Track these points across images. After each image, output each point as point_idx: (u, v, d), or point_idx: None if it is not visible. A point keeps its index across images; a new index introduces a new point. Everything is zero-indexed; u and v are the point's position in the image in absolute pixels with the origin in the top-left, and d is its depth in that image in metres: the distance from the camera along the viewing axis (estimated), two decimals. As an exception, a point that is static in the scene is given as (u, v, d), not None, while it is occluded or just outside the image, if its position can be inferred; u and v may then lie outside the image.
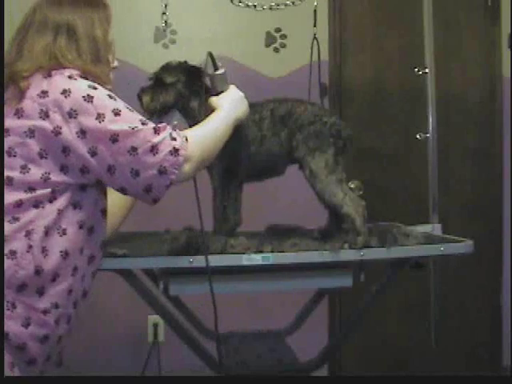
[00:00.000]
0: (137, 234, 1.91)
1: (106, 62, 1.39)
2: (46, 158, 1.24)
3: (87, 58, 1.33)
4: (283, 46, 2.90)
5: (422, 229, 1.98)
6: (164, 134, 1.29)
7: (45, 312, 1.24)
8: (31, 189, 1.23)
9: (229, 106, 1.51)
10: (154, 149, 1.27)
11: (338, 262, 1.62)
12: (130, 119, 1.27)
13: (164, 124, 1.32)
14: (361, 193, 2.66)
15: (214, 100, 1.53)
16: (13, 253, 1.20)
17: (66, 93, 1.24)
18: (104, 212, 1.36)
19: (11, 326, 1.19)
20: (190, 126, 1.64)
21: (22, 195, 1.22)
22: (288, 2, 2.41)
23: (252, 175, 1.73)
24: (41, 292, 1.23)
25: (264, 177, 1.76)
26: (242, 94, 1.56)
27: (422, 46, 2.27)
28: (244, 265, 1.55)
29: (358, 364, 3.05)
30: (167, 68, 1.64)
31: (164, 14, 2.47)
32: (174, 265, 1.53)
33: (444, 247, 1.69)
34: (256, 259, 1.55)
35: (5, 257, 1.19)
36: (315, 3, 2.37)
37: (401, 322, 3.05)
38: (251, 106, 1.60)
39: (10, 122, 1.24)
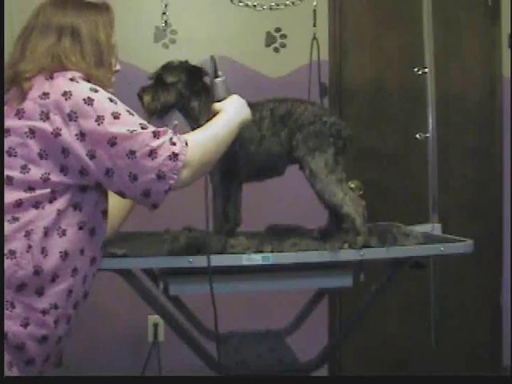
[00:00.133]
0: (136, 234, 1.91)
1: (108, 66, 1.39)
2: (45, 158, 1.24)
3: (91, 61, 1.33)
4: (283, 45, 2.90)
5: (421, 228, 1.98)
6: (164, 139, 1.27)
7: (44, 312, 1.24)
8: (31, 188, 1.23)
9: (233, 109, 1.49)
10: (152, 153, 1.25)
11: (338, 261, 1.62)
12: (129, 122, 1.26)
13: (165, 128, 1.31)
14: (361, 193, 2.66)
15: (217, 104, 1.52)
16: (12, 253, 1.20)
17: (66, 95, 1.24)
18: (105, 213, 1.36)
19: (10, 325, 1.19)
20: (191, 126, 1.65)
21: (22, 195, 1.22)
22: (288, 2, 2.41)
23: (252, 175, 1.73)
24: (40, 292, 1.23)
25: (264, 177, 1.76)
26: (243, 100, 1.55)
27: (422, 45, 2.27)
28: (244, 265, 1.55)
29: (357, 364, 3.04)
30: (168, 67, 1.63)
31: (164, 13, 2.47)
32: (174, 265, 1.54)
33: (444, 247, 1.69)
34: (256, 259, 1.55)
35: (4, 257, 1.19)
36: (315, 3, 2.37)
37: (401, 322, 3.05)
38: (251, 105, 1.59)
39: (10, 122, 1.24)
